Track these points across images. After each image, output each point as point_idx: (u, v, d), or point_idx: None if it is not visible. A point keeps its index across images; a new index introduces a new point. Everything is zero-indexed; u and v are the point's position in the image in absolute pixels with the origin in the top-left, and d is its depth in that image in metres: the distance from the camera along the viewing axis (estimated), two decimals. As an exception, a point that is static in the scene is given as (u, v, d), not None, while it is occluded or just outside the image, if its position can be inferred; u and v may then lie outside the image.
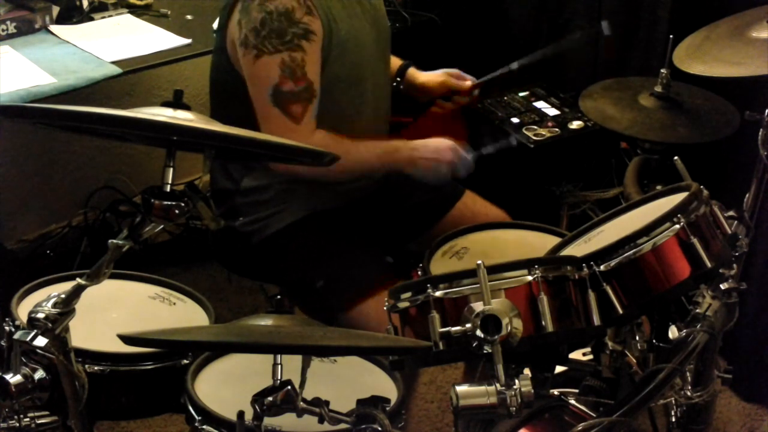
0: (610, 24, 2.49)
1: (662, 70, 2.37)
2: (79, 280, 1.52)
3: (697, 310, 1.68)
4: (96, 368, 1.74)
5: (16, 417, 1.58)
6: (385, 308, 1.58)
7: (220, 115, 2.23)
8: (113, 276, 1.70)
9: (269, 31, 2.05)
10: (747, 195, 2.08)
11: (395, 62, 2.51)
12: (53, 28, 2.92)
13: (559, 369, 1.75)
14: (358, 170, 2.21)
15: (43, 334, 1.51)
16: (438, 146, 2.21)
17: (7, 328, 1.66)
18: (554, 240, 1.94)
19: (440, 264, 2.05)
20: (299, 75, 2.07)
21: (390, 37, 2.38)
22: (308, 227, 2.24)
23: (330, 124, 2.17)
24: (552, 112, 3.02)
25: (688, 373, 1.73)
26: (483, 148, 2.29)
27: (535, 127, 2.92)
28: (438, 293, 1.48)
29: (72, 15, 2.99)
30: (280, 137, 2.02)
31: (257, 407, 1.48)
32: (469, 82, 2.48)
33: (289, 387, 1.48)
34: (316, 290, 2.18)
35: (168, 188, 1.48)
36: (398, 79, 2.50)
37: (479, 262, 1.43)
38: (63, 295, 1.52)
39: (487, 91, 2.64)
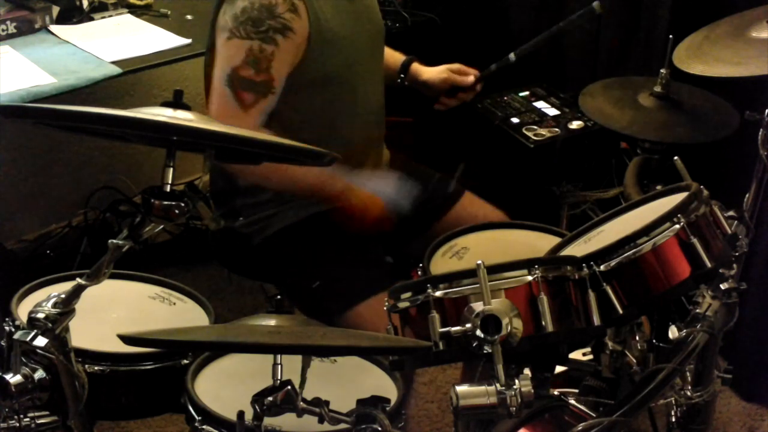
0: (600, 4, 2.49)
1: (662, 70, 2.37)
2: (79, 280, 1.52)
3: (697, 310, 1.68)
4: (96, 368, 1.74)
5: (16, 417, 1.57)
6: (384, 308, 1.58)
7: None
8: (113, 276, 1.70)
9: (247, 18, 2.05)
10: (747, 195, 2.08)
11: (398, 58, 2.51)
12: (53, 28, 2.92)
13: (559, 369, 1.75)
14: (290, 180, 2.14)
15: (43, 334, 1.51)
16: (364, 209, 2.17)
17: (7, 328, 1.66)
18: (554, 240, 1.94)
19: (440, 264, 2.04)
20: (263, 67, 2.06)
21: (383, 35, 2.38)
22: (308, 229, 2.24)
23: (323, 122, 2.17)
24: (552, 112, 3.02)
25: (688, 373, 1.73)
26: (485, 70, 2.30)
27: (535, 127, 2.92)
28: (438, 293, 1.48)
29: (72, 15, 2.99)
30: (223, 120, 2.01)
31: (257, 407, 1.48)
32: (471, 77, 2.48)
33: (289, 387, 1.48)
34: (313, 292, 2.18)
35: (168, 188, 1.48)
36: (402, 75, 2.50)
37: (479, 262, 1.43)
38: (63, 295, 1.52)
39: (491, 87, 2.64)
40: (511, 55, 2.49)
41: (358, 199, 2.18)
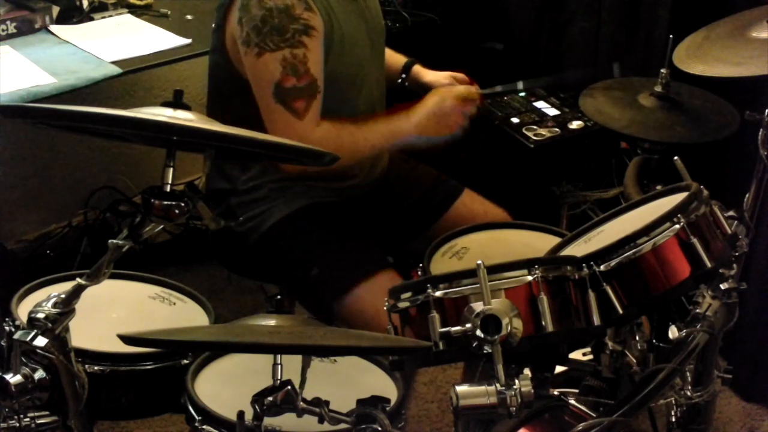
0: (620, 66, 2.50)
1: (662, 70, 2.37)
2: (79, 280, 1.52)
3: (697, 310, 1.68)
4: (96, 368, 1.74)
5: (16, 417, 1.58)
6: (384, 307, 1.58)
7: (217, 113, 2.23)
8: (113, 276, 1.70)
9: (270, 28, 2.05)
10: (747, 195, 2.08)
11: (399, 59, 2.52)
12: (53, 28, 2.92)
13: (559, 369, 1.75)
14: (367, 153, 2.24)
15: (43, 334, 1.51)
16: (435, 109, 2.22)
17: (7, 328, 1.66)
18: (554, 240, 1.94)
19: (440, 264, 2.04)
20: (302, 71, 2.08)
21: (384, 36, 2.38)
22: (302, 218, 2.24)
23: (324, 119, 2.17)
24: (552, 112, 3.02)
25: (688, 373, 1.73)
26: (489, 88, 2.33)
27: (535, 127, 2.92)
28: (438, 293, 1.48)
29: (72, 15, 2.99)
30: (284, 133, 2.03)
31: (257, 407, 1.48)
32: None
33: (289, 387, 1.48)
34: (312, 279, 2.18)
35: (168, 188, 1.48)
36: (403, 75, 2.50)
37: (479, 262, 1.43)
38: (63, 295, 1.52)
39: (490, 84, 2.65)
40: (520, 84, 2.49)
41: (429, 117, 2.21)
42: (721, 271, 1.68)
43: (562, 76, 2.55)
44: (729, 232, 1.65)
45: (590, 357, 1.80)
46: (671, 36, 2.31)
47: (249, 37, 2.07)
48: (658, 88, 2.40)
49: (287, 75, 2.07)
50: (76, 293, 1.52)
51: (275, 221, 2.23)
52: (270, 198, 2.24)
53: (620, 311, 1.51)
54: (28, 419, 1.59)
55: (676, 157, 1.80)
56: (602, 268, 1.52)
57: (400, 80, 2.50)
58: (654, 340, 1.73)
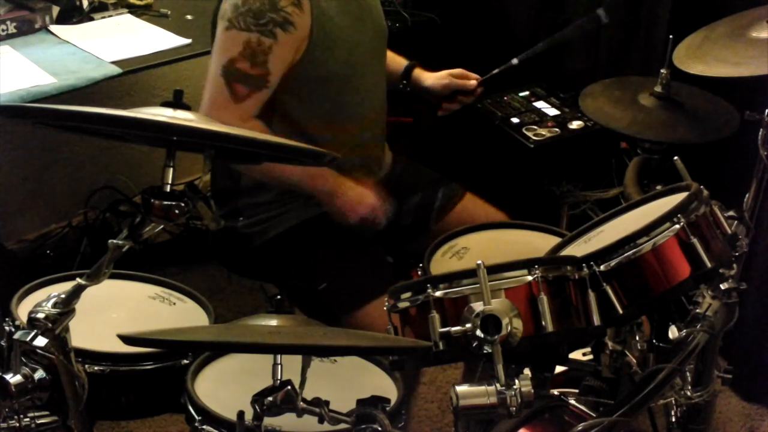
0: (607, 12, 2.50)
1: (662, 70, 2.37)
2: (79, 280, 1.52)
3: (697, 310, 1.68)
4: (96, 368, 1.74)
5: (16, 417, 1.58)
6: (385, 308, 1.58)
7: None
8: (113, 276, 1.70)
9: (247, 9, 2.03)
10: (747, 195, 2.08)
11: (400, 62, 2.51)
12: (53, 28, 2.92)
13: (559, 369, 1.75)
14: (275, 175, 2.16)
15: (43, 334, 1.51)
16: (360, 197, 2.18)
17: (7, 328, 1.66)
18: (554, 240, 1.94)
19: (440, 264, 2.04)
20: (259, 61, 2.05)
21: (386, 36, 2.38)
22: (310, 231, 2.24)
23: (326, 120, 2.17)
24: (552, 112, 3.02)
25: (688, 373, 1.73)
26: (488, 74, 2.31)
27: (535, 127, 2.92)
28: (438, 293, 1.48)
29: (72, 15, 2.99)
30: (214, 110, 2.00)
31: (257, 407, 1.48)
32: (473, 81, 2.48)
33: (289, 387, 1.48)
34: (317, 294, 2.18)
35: (168, 188, 1.48)
36: (404, 81, 2.50)
37: (479, 262, 1.43)
38: (63, 295, 1.52)
39: (491, 88, 2.65)
40: (514, 60, 2.49)
41: (350, 194, 2.18)
42: (721, 271, 1.68)
43: (554, 38, 2.55)
44: (729, 232, 1.65)
45: (590, 357, 1.80)
46: (671, 36, 2.32)
47: (224, 11, 2.05)
48: (658, 88, 2.40)
49: (243, 57, 2.04)
50: (76, 293, 1.52)
51: (283, 230, 2.22)
52: (278, 203, 2.23)
53: (620, 311, 1.51)
54: (28, 419, 1.59)
55: (676, 157, 1.80)
56: (602, 268, 1.52)
57: (401, 85, 2.50)
58: (654, 340, 1.73)
